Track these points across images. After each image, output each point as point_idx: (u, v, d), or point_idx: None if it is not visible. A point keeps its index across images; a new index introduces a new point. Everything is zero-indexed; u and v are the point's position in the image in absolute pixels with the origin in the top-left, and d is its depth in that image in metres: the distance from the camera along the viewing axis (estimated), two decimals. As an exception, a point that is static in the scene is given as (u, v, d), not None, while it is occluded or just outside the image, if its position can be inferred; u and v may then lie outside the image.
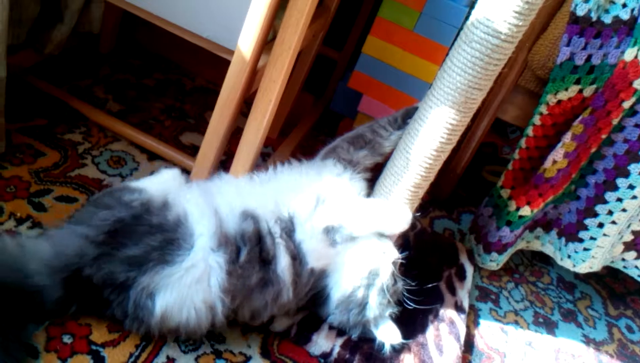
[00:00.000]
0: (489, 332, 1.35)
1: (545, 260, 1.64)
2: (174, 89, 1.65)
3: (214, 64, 1.21)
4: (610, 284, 1.71)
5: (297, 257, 0.99)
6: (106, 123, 1.39)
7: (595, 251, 1.43)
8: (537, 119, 1.35)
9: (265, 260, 0.97)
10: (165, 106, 1.56)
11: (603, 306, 1.62)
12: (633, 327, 1.59)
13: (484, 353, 1.29)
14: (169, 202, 0.97)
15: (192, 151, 1.45)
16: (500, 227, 1.44)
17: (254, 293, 0.96)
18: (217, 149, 1.08)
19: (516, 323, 1.42)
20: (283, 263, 0.97)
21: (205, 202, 0.98)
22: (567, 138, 1.30)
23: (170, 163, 1.37)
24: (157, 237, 0.91)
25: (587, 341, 1.46)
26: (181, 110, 1.58)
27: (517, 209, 1.40)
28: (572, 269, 1.49)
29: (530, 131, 1.37)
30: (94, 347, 0.94)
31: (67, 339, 0.93)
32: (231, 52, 1.03)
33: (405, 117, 1.17)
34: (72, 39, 1.46)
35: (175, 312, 0.90)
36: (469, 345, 1.28)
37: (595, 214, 1.39)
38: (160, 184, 1.05)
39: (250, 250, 0.95)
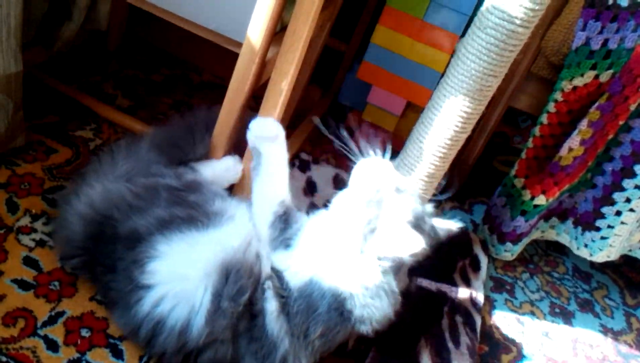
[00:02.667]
0: (504, 322, 1.34)
1: (560, 249, 1.63)
2: (182, 85, 1.64)
3: (221, 59, 1.20)
4: (627, 273, 1.69)
5: None
6: (116, 119, 1.38)
7: (613, 240, 1.41)
8: (551, 107, 1.33)
9: None
10: (173, 101, 1.56)
11: (620, 296, 1.60)
12: (655, 316, 1.57)
13: (500, 343, 1.27)
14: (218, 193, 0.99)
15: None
16: (514, 217, 1.43)
17: None
18: (226, 144, 1.07)
19: (532, 313, 1.40)
20: None
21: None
22: (583, 124, 1.29)
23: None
24: (185, 210, 0.92)
25: (605, 331, 1.45)
26: (189, 105, 1.57)
27: (532, 198, 1.38)
28: (589, 258, 1.47)
29: (544, 118, 1.35)
30: (111, 340, 0.94)
31: (85, 332, 0.94)
32: (239, 45, 1.02)
33: None
34: (80, 37, 1.45)
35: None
36: (485, 336, 1.26)
37: (613, 202, 1.37)
38: (216, 170, 1.08)
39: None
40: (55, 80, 1.40)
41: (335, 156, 1.63)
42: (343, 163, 1.61)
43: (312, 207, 1.38)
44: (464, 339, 1.18)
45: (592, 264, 1.62)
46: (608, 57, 1.24)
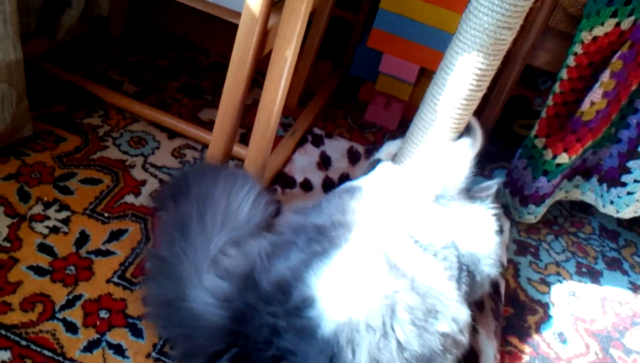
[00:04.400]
0: (530, 284, 1.31)
1: (585, 210, 1.58)
2: (189, 67, 1.61)
3: (228, 39, 1.17)
4: (655, 229, 1.64)
5: None
6: (124, 105, 1.36)
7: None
8: (571, 60, 1.27)
9: None
10: (181, 85, 1.53)
11: (649, 251, 1.55)
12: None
13: (525, 305, 1.24)
14: None
15: (212, 127, 1.41)
16: (536, 178, 1.38)
17: None
18: (233, 119, 1.04)
19: (558, 274, 1.37)
20: None
21: None
22: (605, 76, 1.23)
23: (190, 140, 1.34)
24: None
25: (635, 288, 1.41)
26: (197, 87, 1.55)
27: (554, 157, 1.34)
28: (615, 215, 1.42)
29: (564, 73, 1.30)
30: (130, 320, 0.94)
31: (103, 314, 0.93)
32: (239, 15, 0.98)
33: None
34: (83, 24, 1.43)
35: None
36: (510, 299, 1.23)
37: (639, 155, 1.32)
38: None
39: None
40: (60, 69, 1.38)
41: (350, 130, 1.60)
42: (357, 136, 1.58)
43: (328, 181, 1.35)
44: (488, 303, 1.15)
45: (620, 222, 1.57)
46: (629, 2, 1.18)
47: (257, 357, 0.80)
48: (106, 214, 1.09)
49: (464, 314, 0.90)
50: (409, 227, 0.97)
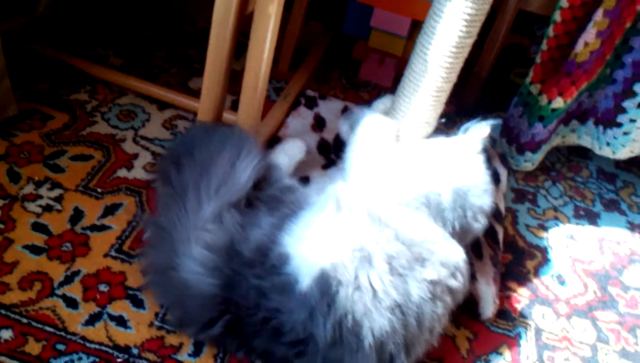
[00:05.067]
0: (528, 230, 1.31)
1: (583, 154, 1.57)
2: (175, 36, 1.58)
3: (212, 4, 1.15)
4: (652, 167, 1.63)
5: None
6: (111, 78, 1.34)
7: (636, 134, 1.35)
8: (564, 2, 1.24)
9: None
10: (168, 54, 1.50)
11: (649, 192, 1.55)
12: (683, 208, 1.52)
13: (524, 251, 1.25)
14: None
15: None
16: (532, 124, 1.37)
17: None
18: (220, 83, 1.02)
19: (556, 219, 1.37)
20: None
21: None
22: (599, 15, 1.20)
23: (181, 110, 1.33)
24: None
25: (632, 227, 1.41)
26: (185, 56, 1.52)
27: (549, 102, 1.32)
28: (612, 157, 1.41)
29: (557, 16, 1.27)
30: (130, 292, 0.94)
31: (103, 287, 0.94)
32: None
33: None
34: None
35: None
36: (508, 246, 1.24)
37: (634, 94, 1.30)
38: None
39: None
40: (42, 46, 1.35)
41: (344, 90, 1.57)
42: (351, 96, 1.56)
43: (323, 142, 1.34)
44: (487, 251, 1.16)
45: (618, 164, 1.56)
46: (618, -64, 1.14)
47: (249, 322, 0.84)
48: (99, 190, 1.09)
49: (454, 255, 0.91)
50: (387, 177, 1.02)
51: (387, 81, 1.64)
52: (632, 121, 1.33)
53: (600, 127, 1.41)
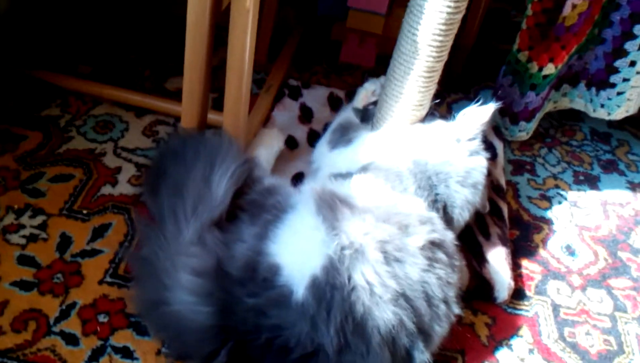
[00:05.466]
0: (531, 202, 1.28)
1: (574, 116, 1.54)
2: (146, 35, 1.50)
3: None
4: (644, 123, 1.61)
5: None
6: (82, 88, 1.27)
7: (630, 93, 1.32)
8: (544, -37, 1.20)
9: None
10: (139, 55, 1.43)
11: (643, 148, 1.53)
12: (678, 160, 1.51)
13: (530, 224, 1.22)
14: None
15: (180, 96, 1.32)
16: (524, 93, 1.33)
17: None
18: (201, 84, 0.96)
19: (557, 187, 1.34)
20: None
21: None
22: (583, -25, 1.16)
23: (161, 114, 1.26)
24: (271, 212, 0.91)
25: (633, 187, 1.39)
26: (158, 56, 1.44)
27: (540, 69, 1.28)
28: (607, 118, 1.39)
29: (538, -21, 1.23)
30: (132, 319, 0.89)
31: (102, 318, 0.89)
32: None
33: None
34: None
35: None
36: (514, 221, 1.21)
37: (626, 53, 1.27)
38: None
39: None
40: (3, 60, 1.27)
41: (326, 75, 1.52)
42: (335, 81, 1.50)
43: (312, 133, 1.28)
44: (494, 230, 1.12)
45: (610, 123, 1.53)
46: None
47: (254, 346, 0.78)
48: (85, 211, 1.03)
49: (418, 207, 0.88)
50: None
51: (369, 60, 1.59)
52: (626, 80, 1.30)
53: (593, 90, 1.37)
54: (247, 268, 0.81)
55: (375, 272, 0.77)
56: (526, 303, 1.05)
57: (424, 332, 0.80)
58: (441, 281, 0.82)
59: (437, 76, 1.04)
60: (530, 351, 0.96)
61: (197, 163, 0.91)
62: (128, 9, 1.56)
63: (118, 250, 0.98)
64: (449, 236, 0.87)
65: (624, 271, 1.15)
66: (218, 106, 1.25)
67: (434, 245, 0.83)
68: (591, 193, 1.34)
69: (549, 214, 1.26)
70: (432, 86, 1.05)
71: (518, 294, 1.05)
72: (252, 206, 0.91)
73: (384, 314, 0.76)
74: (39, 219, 0.99)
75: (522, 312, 1.03)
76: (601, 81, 1.34)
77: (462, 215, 0.98)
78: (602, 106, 1.37)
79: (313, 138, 1.26)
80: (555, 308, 1.05)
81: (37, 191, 1.04)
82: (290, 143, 1.24)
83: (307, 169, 1.17)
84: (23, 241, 0.96)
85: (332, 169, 1.02)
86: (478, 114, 1.03)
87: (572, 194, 1.33)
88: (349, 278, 0.77)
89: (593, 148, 1.49)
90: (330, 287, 0.76)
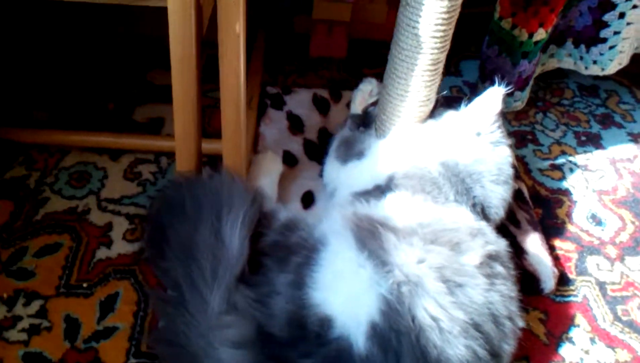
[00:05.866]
0: (543, 175, 1.23)
1: (559, 74, 1.49)
2: (98, 63, 1.35)
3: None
4: (626, 69, 1.57)
5: None
6: (45, 139, 1.13)
7: (622, 45, 1.28)
8: None
9: None
10: (96, 89, 1.29)
11: (631, 95, 1.50)
12: (667, 103, 1.49)
13: (550, 199, 1.17)
14: None
15: (154, 126, 1.21)
16: (516, 63, 1.27)
17: None
18: (194, 123, 0.85)
19: (563, 153, 1.30)
20: None
21: None
22: None
23: (138, 152, 1.14)
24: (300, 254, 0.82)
25: (634, 138, 1.37)
26: (117, 84, 1.30)
27: (531, 35, 1.22)
28: (600, 73, 1.35)
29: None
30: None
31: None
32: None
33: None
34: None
35: None
36: (533, 200, 1.16)
37: (613, 6, 1.22)
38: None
39: None
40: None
41: (301, 74, 1.42)
42: (312, 79, 1.40)
43: (308, 144, 1.19)
44: (521, 215, 1.07)
45: (595, 76, 1.49)
46: None
47: None
48: (85, 285, 0.91)
49: (465, 217, 0.82)
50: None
51: (341, 50, 1.50)
52: (616, 33, 1.26)
53: (582, 47, 1.33)
54: (293, 325, 0.72)
55: (440, 305, 0.70)
56: (572, 287, 1.00)
57: (494, 355, 0.74)
58: (504, 297, 0.75)
59: (441, 67, 0.96)
60: (592, 340, 0.92)
61: (202, 215, 0.81)
62: (76, 38, 1.40)
63: (134, 322, 0.87)
64: (502, 244, 0.80)
65: (654, 231, 1.12)
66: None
67: (491, 258, 0.76)
68: (597, 153, 1.31)
69: (565, 184, 1.22)
70: (437, 79, 0.97)
71: (561, 279, 1.01)
72: (274, 249, 0.81)
73: (457, 350, 0.69)
74: (36, 305, 0.87)
75: (571, 299, 0.98)
76: (590, 38, 1.29)
77: (498, 214, 0.92)
78: (595, 62, 1.33)
79: (310, 149, 1.17)
80: (601, 286, 1.01)
81: (24, 272, 0.92)
82: (288, 160, 1.14)
83: (315, 187, 1.08)
84: (24, 336, 0.83)
85: (351, 187, 0.93)
86: (489, 102, 0.96)
87: (580, 158, 1.29)
88: (413, 319, 0.68)
89: (585, 104, 1.46)
90: (395, 334, 0.68)
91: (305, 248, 0.78)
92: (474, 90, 1.43)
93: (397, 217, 0.79)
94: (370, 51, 1.51)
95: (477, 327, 0.71)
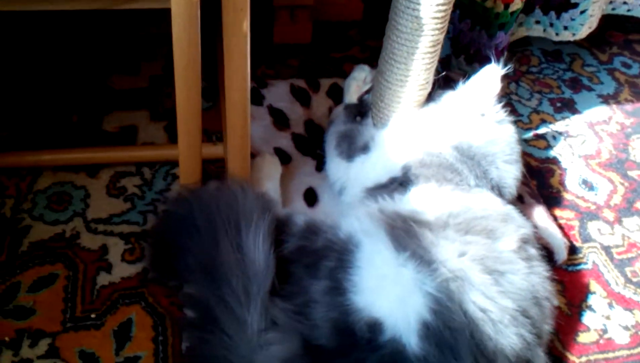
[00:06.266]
0: (529, 145, 1.25)
1: (522, 42, 1.51)
2: (53, 74, 1.25)
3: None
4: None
5: None
6: (10, 162, 1.03)
7: (592, 9, 1.31)
8: None
9: None
10: (55, 101, 1.19)
11: (593, 57, 1.54)
12: (627, 61, 1.54)
13: (541, 169, 1.19)
14: None
15: (127, 135, 1.13)
16: (493, 35, 1.27)
17: None
18: (197, 127, 0.79)
19: (544, 121, 1.32)
20: None
21: None
22: None
23: (117, 165, 1.07)
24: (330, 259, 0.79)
25: (605, 99, 1.40)
26: (77, 94, 1.21)
27: (507, 6, 1.21)
28: (571, 39, 1.38)
29: None
30: None
31: None
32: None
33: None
34: None
35: None
36: (526, 171, 1.15)
37: (583, -29, 1.23)
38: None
39: None
40: None
41: (270, 64, 1.36)
42: (284, 70, 1.35)
43: (298, 138, 1.14)
44: (523, 189, 1.08)
45: (555, 41, 1.51)
46: None
47: None
48: (93, 315, 0.84)
49: (495, 203, 0.81)
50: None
51: (306, 35, 1.46)
52: (587, -4, 1.28)
53: (552, 13, 1.34)
54: (341, 334, 0.69)
55: (488, 297, 0.69)
56: (580, 255, 1.02)
57: (539, 337, 0.74)
58: (541, 278, 0.75)
59: (440, 49, 0.94)
60: (610, 305, 0.94)
61: (218, 231, 0.76)
62: (27, 50, 1.29)
63: (155, 348, 0.81)
64: (529, 226, 0.79)
65: (643, 189, 1.16)
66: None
67: (524, 241, 0.75)
68: (575, 118, 1.34)
69: (552, 153, 1.23)
70: (436, 60, 0.95)
71: (569, 248, 1.02)
72: (300, 255, 0.78)
73: (509, 340, 0.68)
74: (44, 344, 0.80)
75: (582, 267, 1.00)
76: (561, 4, 1.31)
77: (512, 194, 0.92)
78: (566, 28, 1.34)
79: (301, 143, 1.13)
80: (607, 251, 1.03)
81: (23, 309, 0.84)
82: (281, 157, 1.09)
83: (315, 183, 1.04)
84: (40, 381, 0.76)
85: (362, 183, 0.90)
86: (487, 81, 0.95)
87: (559, 125, 1.32)
88: (465, 314, 0.67)
89: (552, 70, 1.48)
90: (450, 331, 0.66)
91: (334, 250, 0.75)
92: (447, 65, 1.42)
93: (426, 210, 0.77)
94: (336, 34, 1.47)
95: (524, 312, 0.71)
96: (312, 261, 0.75)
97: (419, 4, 0.85)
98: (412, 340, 0.67)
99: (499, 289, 0.69)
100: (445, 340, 0.66)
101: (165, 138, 1.14)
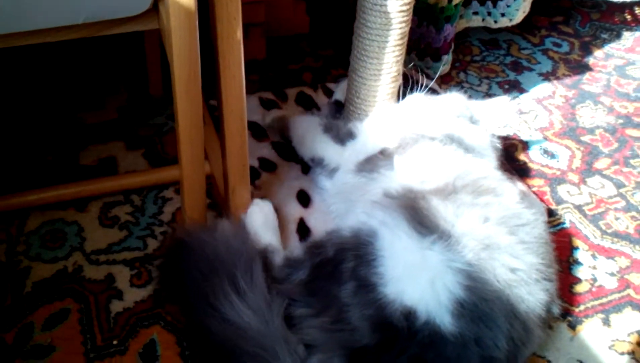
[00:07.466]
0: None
1: (462, 34, 1.61)
2: (21, 113, 1.23)
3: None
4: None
5: None
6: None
7: (525, -5, 1.41)
8: None
9: None
10: (27, 141, 1.17)
11: (527, 41, 1.67)
12: (557, 41, 1.67)
13: (506, 147, 1.26)
14: None
15: (107, 166, 1.13)
16: (441, 28, 1.36)
17: None
18: (199, 146, 0.80)
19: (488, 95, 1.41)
20: None
21: None
22: None
23: (105, 196, 1.06)
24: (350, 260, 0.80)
25: (546, 76, 1.52)
26: (49, 132, 1.20)
27: (450, 0, 1.30)
28: (509, 24, 1.49)
29: None
30: None
31: None
32: (135, 18, 0.73)
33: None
34: None
35: None
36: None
37: (512, -37, 1.34)
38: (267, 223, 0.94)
39: None
40: None
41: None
42: (248, 86, 1.38)
43: (277, 144, 1.18)
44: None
45: (489, 30, 1.62)
46: None
47: None
48: (115, 342, 0.84)
49: (488, 167, 0.88)
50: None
51: (260, 51, 1.50)
52: (519, -16, 1.38)
53: (489, 3, 1.45)
54: (381, 329, 0.71)
55: (515, 256, 0.72)
56: (557, 216, 1.10)
57: (551, 281, 0.78)
58: (544, 222, 0.81)
59: (406, 41, 1.01)
60: (593, 256, 1.02)
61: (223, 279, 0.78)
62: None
63: (185, 362, 0.82)
64: (519, 183, 0.86)
65: (598, 152, 1.26)
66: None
67: (523, 194, 0.82)
68: (524, 97, 1.44)
69: (509, 130, 1.32)
70: (404, 52, 1.02)
71: (547, 211, 1.10)
72: (318, 271, 0.78)
73: (539, 296, 0.73)
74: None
75: (562, 226, 1.08)
76: (496, -7, 1.41)
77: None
78: (503, 15, 1.45)
79: (283, 151, 1.16)
80: (579, 209, 1.12)
81: (41, 348, 0.82)
82: (266, 166, 1.13)
83: (305, 185, 1.08)
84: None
85: (358, 155, 0.95)
86: (502, 114, 1.05)
87: (512, 105, 1.40)
88: (497, 280, 0.71)
89: (494, 57, 1.59)
90: (485, 302, 0.70)
91: (347, 250, 0.76)
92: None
93: (430, 178, 0.81)
94: (288, 47, 1.53)
95: (545, 264, 0.76)
96: (331, 269, 0.76)
97: (385, 0, 0.91)
98: (445, 320, 0.69)
99: (523, 246, 0.74)
100: (481, 312, 0.69)
101: (145, 164, 1.15)
